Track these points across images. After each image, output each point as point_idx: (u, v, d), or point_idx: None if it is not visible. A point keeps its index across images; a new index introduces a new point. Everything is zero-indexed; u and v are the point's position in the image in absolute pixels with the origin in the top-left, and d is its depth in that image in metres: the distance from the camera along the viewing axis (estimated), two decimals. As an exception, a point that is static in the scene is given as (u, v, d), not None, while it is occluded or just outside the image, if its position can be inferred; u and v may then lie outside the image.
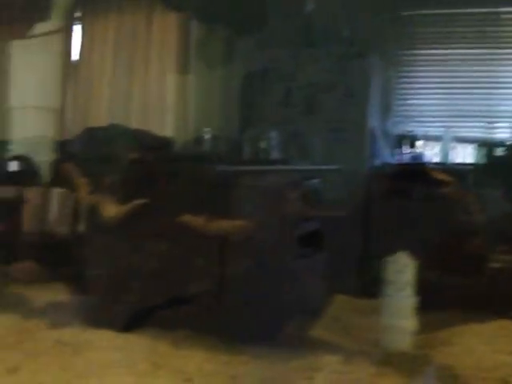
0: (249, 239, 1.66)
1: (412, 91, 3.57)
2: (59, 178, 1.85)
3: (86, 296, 1.78)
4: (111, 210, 1.73)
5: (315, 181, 2.52)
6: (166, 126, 3.04)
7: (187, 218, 1.62)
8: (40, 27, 2.89)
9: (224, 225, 1.59)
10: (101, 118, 2.99)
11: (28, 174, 2.11)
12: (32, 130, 2.51)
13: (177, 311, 1.70)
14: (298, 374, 1.53)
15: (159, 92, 3.09)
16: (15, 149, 2.39)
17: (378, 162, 3.39)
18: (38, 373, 1.46)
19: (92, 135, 2.31)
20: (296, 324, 1.78)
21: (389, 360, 1.69)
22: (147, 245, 1.68)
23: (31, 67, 2.57)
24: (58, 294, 1.99)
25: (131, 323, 1.67)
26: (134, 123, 2.96)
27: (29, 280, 2.05)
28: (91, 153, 2.04)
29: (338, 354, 1.66)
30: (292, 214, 1.82)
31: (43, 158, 2.23)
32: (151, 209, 1.68)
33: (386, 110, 3.29)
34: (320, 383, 1.50)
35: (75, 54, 3.06)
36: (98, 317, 1.69)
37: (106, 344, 1.60)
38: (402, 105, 3.52)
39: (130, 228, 1.67)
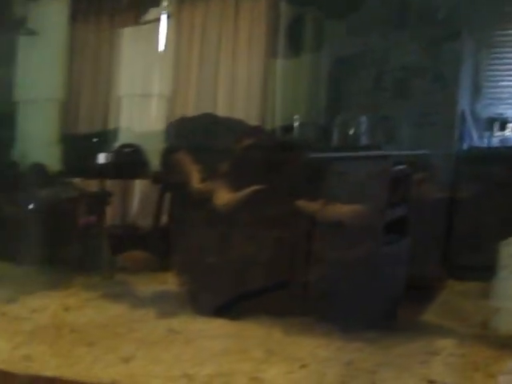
0: (364, 224, 1.63)
1: (503, 73, 3.41)
2: (170, 166, 1.83)
3: (195, 285, 1.79)
4: (225, 197, 1.73)
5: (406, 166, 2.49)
6: (254, 114, 3.05)
7: (303, 204, 1.59)
8: (149, 14, 2.89)
9: (340, 209, 1.56)
10: (198, 106, 3.01)
11: (137, 163, 2.09)
12: (140, 119, 2.49)
13: (288, 298, 1.70)
14: (413, 359, 1.50)
15: (247, 79, 3.07)
16: (125, 138, 2.37)
17: (467, 146, 3.30)
18: (152, 362, 1.45)
19: (185, 124, 2.31)
20: (406, 309, 1.75)
21: (504, 342, 1.64)
22: (261, 232, 1.68)
23: (139, 55, 2.55)
24: (165, 283, 2.02)
25: (243, 311, 1.68)
26: (224, 111, 2.97)
27: (137, 269, 2.07)
28: (188, 142, 2.04)
29: (451, 338, 1.60)
30: (398, 198, 1.78)
31: (152, 147, 2.20)
32: (265, 195, 1.68)
33: (477, 92, 3.20)
34: (437, 367, 1.47)
35: (172, 42, 3.06)
36: (208, 306, 1.70)
37: (218, 332, 1.60)
38: (493, 87, 3.37)
39: (243, 215, 1.69)
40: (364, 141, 2.85)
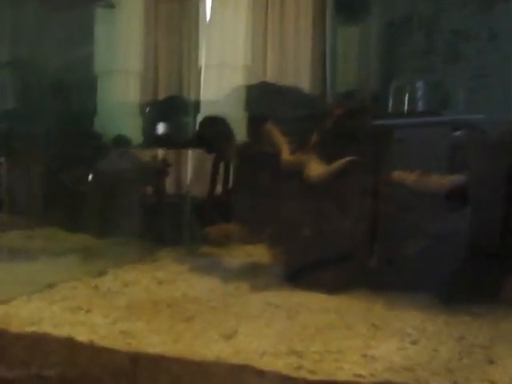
0: (460, 195, 1.57)
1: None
2: (258, 137, 1.78)
3: (291, 258, 1.75)
4: (319, 169, 1.67)
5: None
6: (306, 83, 3.02)
7: (400, 174, 1.54)
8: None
9: (440, 180, 1.50)
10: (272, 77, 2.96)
11: (223, 134, 2.04)
12: (224, 89, 2.45)
13: (386, 272, 1.65)
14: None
15: (297, 46, 3.06)
16: (209, 109, 2.33)
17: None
18: (256, 338, 1.41)
19: (267, 92, 2.27)
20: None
21: None
22: (356, 204, 1.63)
23: (222, 24, 2.51)
24: (252, 255, 1.99)
25: (340, 285, 1.64)
26: (275, 80, 2.95)
27: (225, 242, 2.04)
28: (272, 110, 1.99)
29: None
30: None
31: (237, 118, 2.16)
32: (358, 166, 1.62)
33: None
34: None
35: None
36: (305, 278, 1.67)
37: (318, 306, 1.53)
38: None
39: (337, 187, 1.64)
40: (420, 107, 2.81)
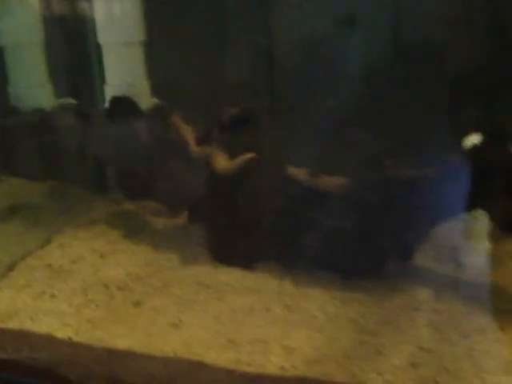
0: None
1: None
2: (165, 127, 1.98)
3: (212, 236, 2.03)
4: (223, 162, 1.93)
5: None
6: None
7: (293, 171, 1.82)
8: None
9: (328, 180, 1.81)
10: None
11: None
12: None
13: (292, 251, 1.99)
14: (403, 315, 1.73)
15: None
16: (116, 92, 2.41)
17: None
18: (198, 327, 1.68)
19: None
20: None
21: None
22: (259, 197, 1.91)
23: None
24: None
25: (253, 260, 1.93)
26: None
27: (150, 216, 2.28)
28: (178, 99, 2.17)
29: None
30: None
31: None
32: (260, 163, 1.89)
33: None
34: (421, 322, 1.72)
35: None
36: (226, 255, 1.96)
37: (240, 285, 1.85)
38: None
39: (241, 181, 1.90)
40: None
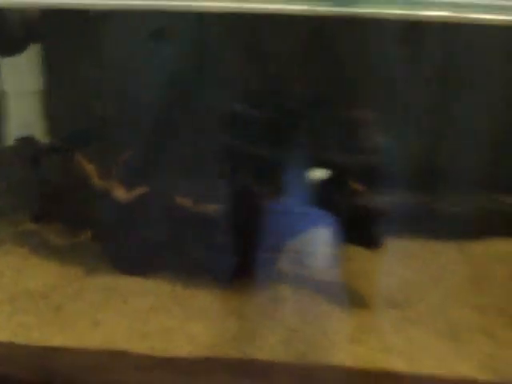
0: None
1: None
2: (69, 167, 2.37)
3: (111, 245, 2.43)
4: (120, 193, 2.35)
5: None
6: None
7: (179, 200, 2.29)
8: None
9: (207, 207, 2.33)
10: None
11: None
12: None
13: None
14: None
15: None
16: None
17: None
18: (115, 325, 2.09)
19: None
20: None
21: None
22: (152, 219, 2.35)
23: None
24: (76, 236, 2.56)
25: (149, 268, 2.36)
26: None
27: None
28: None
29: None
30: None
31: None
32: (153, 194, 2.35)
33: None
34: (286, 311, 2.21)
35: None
36: (125, 264, 2.38)
37: (140, 290, 2.26)
38: None
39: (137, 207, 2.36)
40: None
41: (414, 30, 2.33)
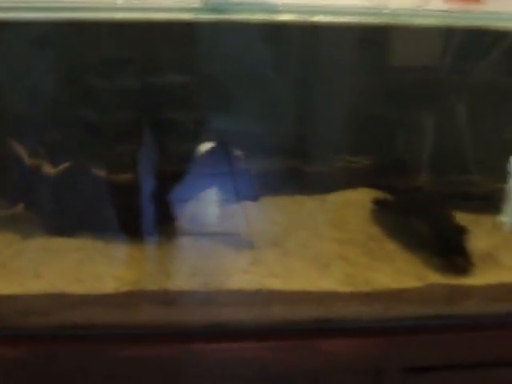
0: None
1: None
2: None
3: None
4: (48, 169, 2.74)
5: None
6: None
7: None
8: None
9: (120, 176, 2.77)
10: None
11: None
12: None
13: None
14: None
15: None
16: None
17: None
18: (55, 275, 2.45)
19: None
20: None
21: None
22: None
23: None
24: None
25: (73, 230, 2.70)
26: None
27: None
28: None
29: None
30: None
31: None
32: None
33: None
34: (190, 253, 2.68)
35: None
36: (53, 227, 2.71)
37: (70, 247, 2.64)
38: None
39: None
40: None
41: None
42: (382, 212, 2.80)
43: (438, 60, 2.99)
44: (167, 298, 2.37)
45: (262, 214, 2.85)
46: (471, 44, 2.87)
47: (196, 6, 2.25)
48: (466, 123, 3.13)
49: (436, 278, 2.48)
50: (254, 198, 2.82)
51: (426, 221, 2.59)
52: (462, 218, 2.66)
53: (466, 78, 2.94)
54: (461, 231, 2.54)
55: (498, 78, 2.97)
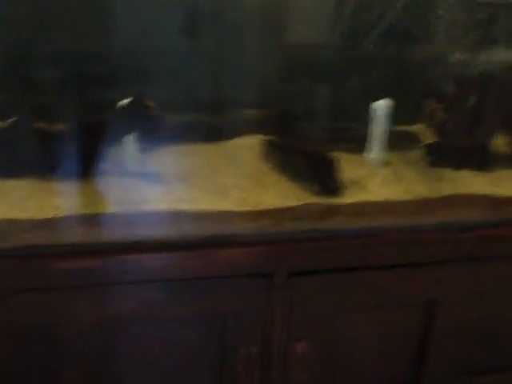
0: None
1: None
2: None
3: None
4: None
5: None
6: None
7: None
8: None
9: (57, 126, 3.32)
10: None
11: None
12: None
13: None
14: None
15: None
16: None
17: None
18: (4, 209, 2.68)
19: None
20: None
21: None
22: None
23: None
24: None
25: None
26: None
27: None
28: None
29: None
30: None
31: None
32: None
33: None
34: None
35: None
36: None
37: (18, 186, 2.89)
38: None
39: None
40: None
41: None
42: (271, 152, 3.18)
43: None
44: (96, 220, 2.65)
45: (173, 158, 3.16)
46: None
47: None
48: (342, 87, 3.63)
49: (312, 199, 2.84)
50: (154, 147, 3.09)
51: (304, 157, 2.97)
52: (338, 156, 3.03)
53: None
54: (331, 162, 2.94)
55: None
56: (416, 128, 3.43)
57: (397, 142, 3.30)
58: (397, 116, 3.25)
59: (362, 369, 3.21)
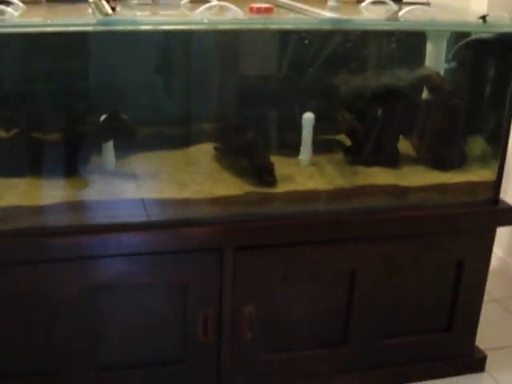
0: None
1: None
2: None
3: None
4: (3, 133, 3.41)
5: None
6: None
7: None
8: None
9: (51, 136, 3.95)
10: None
11: None
12: None
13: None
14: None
15: None
16: None
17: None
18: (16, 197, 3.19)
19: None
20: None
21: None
22: None
23: None
24: None
25: None
26: None
27: None
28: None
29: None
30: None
31: None
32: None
33: None
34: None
35: None
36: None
37: (23, 182, 3.32)
38: None
39: None
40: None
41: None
42: (222, 156, 3.71)
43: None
44: (82, 207, 3.27)
45: (143, 160, 3.69)
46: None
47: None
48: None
49: (253, 189, 3.41)
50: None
51: (248, 159, 3.55)
52: (275, 158, 3.61)
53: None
54: (268, 162, 3.53)
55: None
56: (340, 137, 3.96)
57: (324, 147, 3.84)
58: (326, 127, 3.79)
59: (299, 330, 3.52)
